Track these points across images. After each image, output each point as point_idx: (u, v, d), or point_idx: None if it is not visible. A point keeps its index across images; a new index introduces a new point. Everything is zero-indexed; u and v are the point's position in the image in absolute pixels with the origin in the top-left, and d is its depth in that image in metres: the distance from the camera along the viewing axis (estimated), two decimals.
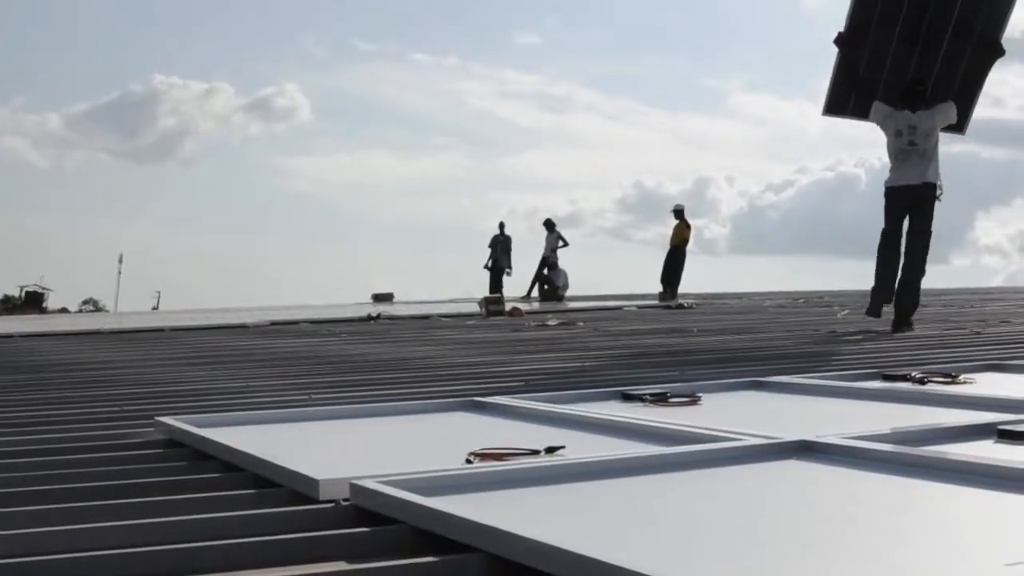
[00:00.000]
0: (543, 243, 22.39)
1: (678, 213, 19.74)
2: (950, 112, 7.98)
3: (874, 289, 8.19)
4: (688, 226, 19.76)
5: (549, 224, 22.36)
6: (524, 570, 1.91)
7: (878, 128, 8.12)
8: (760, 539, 2.09)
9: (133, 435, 3.83)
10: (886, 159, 8.18)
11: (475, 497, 2.43)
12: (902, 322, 8.04)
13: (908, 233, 8.03)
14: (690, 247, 19.63)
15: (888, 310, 8.26)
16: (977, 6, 7.80)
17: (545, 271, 22.18)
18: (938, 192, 7.96)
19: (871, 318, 8.26)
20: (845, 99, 8.17)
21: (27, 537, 2.24)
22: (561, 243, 22.32)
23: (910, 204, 7.96)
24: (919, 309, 8.56)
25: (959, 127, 8.27)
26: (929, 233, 7.97)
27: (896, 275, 8.07)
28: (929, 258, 8.07)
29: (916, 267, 8.06)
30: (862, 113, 8.13)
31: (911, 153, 7.88)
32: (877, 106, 8.06)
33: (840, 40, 8.00)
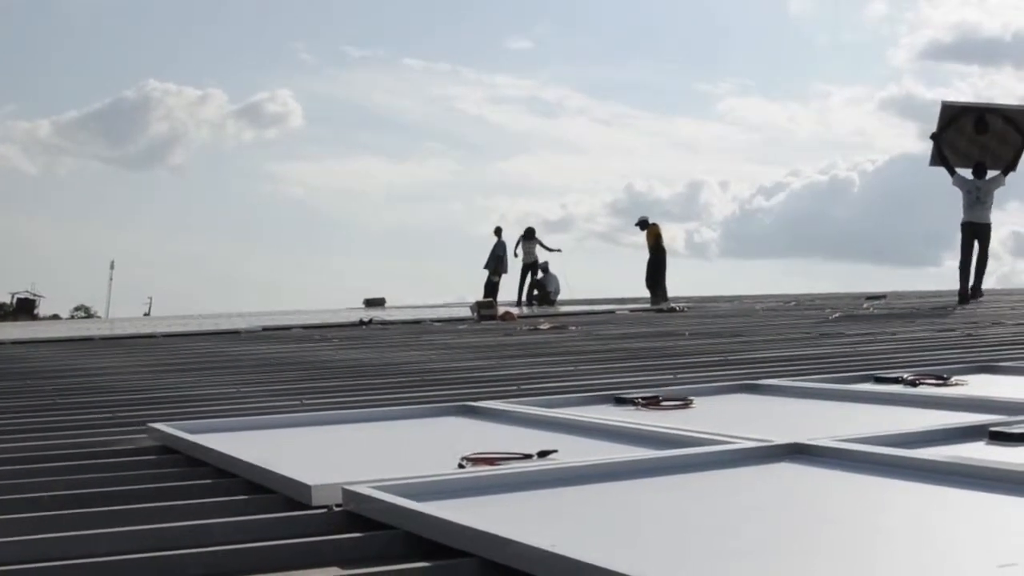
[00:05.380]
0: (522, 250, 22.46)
1: (643, 224, 19.88)
2: (1000, 179, 13.43)
3: (960, 286, 13.32)
4: (655, 225, 19.88)
5: (530, 232, 22.48)
6: (517, 575, 1.91)
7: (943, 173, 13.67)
8: (753, 542, 2.09)
9: (126, 442, 3.82)
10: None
11: (468, 502, 2.43)
12: (975, 296, 13.32)
13: (979, 252, 13.41)
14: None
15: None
16: (1015, 113, 13.63)
17: (536, 276, 22.18)
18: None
19: (960, 304, 12.95)
20: (939, 161, 13.60)
21: (20, 544, 2.24)
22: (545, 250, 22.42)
23: (976, 234, 13.33)
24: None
25: (1015, 168, 13.56)
26: (988, 251, 13.50)
27: (970, 276, 13.34)
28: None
29: (981, 272, 13.53)
30: (948, 169, 13.53)
31: (976, 203, 13.22)
32: (958, 175, 13.34)
33: (934, 136, 13.60)
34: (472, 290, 22.94)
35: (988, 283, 14.25)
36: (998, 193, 13.57)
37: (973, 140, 13.66)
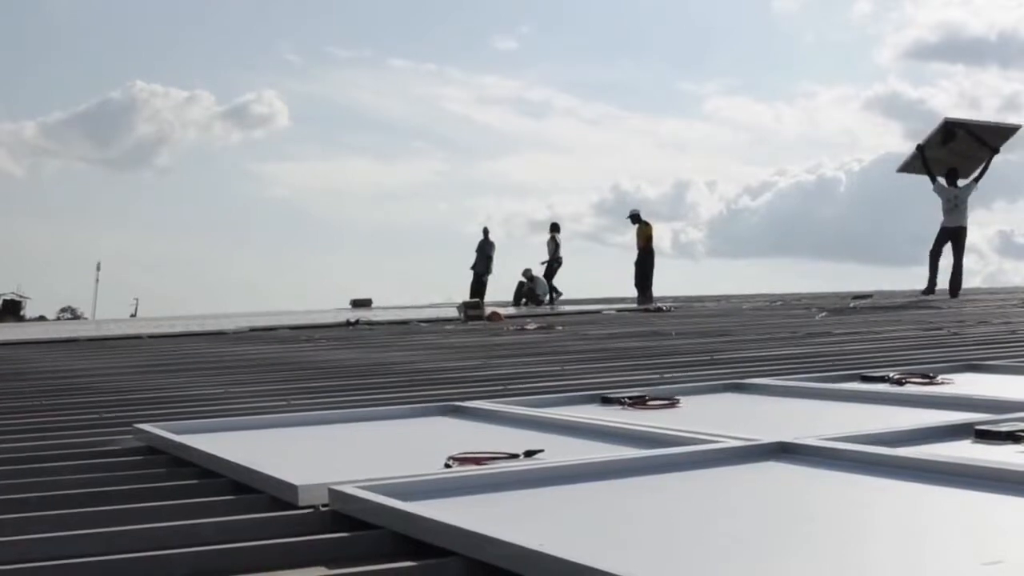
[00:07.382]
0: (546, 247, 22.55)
1: (635, 217, 19.94)
2: (973, 186, 15.07)
3: (929, 282, 14.99)
4: (648, 225, 19.95)
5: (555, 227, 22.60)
6: (503, 574, 1.91)
7: (915, 175, 15.71)
8: (738, 541, 2.09)
9: (112, 442, 3.81)
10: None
11: (454, 501, 2.43)
12: (953, 295, 14.70)
13: (954, 252, 15.01)
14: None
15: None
16: (993, 132, 15.43)
17: (525, 279, 22.21)
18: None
19: (926, 295, 14.70)
20: (913, 167, 15.51)
21: (5, 545, 2.23)
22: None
23: (953, 236, 14.90)
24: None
25: (977, 180, 15.18)
26: (963, 253, 15.07)
27: (937, 275, 15.00)
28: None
29: (958, 271, 15.08)
30: (927, 174, 15.14)
31: (953, 209, 14.83)
32: (937, 183, 14.97)
33: (919, 148, 15.15)
34: (459, 290, 22.98)
35: (974, 282, 14.88)
36: (980, 195, 14.94)
37: (944, 148, 15.24)
